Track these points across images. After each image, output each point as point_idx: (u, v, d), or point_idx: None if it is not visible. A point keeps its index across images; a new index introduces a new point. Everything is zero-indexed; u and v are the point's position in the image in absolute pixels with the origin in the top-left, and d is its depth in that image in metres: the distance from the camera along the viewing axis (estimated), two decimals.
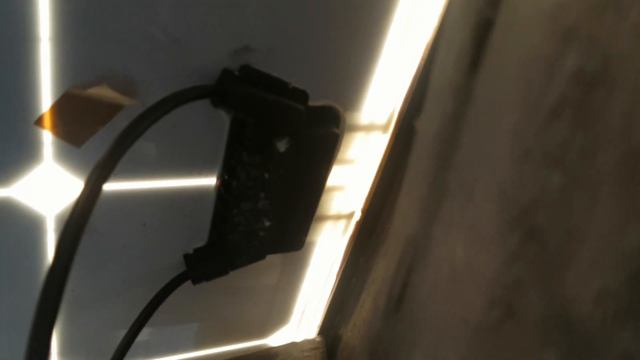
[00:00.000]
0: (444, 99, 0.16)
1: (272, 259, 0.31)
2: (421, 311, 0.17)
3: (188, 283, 0.28)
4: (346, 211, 0.30)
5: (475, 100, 0.15)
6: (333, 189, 0.29)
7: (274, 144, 0.24)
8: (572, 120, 0.11)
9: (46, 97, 0.20)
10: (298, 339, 0.35)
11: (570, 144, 0.11)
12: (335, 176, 0.28)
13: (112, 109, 0.21)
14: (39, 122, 0.21)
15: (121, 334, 0.27)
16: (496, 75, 0.14)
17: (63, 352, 0.30)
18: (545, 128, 0.12)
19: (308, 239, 0.30)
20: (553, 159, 0.12)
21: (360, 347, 0.24)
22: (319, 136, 0.25)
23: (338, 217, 0.31)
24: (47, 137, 0.21)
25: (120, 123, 0.22)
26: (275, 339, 0.36)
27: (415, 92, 0.26)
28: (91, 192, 0.16)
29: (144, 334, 0.32)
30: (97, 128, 0.22)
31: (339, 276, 0.33)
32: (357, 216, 0.31)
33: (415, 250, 0.18)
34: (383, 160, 0.28)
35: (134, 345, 0.32)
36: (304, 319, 0.36)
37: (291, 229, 0.28)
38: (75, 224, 0.17)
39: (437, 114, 0.17)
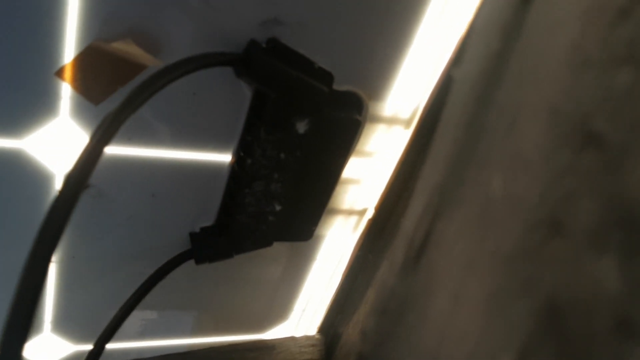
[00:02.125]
0: (490, 38, 0.16)
1: (278, 251, 0.30)
2: (446, 255, 0.16)
3: (191, 268, 0.27)
4: (359, 207, 0.30)
5: (525, 32, 0.14)
6: (348, 181, 0.28)
7: (293, 124, 0.23)
8: None
9: (69, 48, 0.20)
10: (297, 335, 0.34)
11: None
12: (352, 168, 0.28)
13: (134, 68, 0.21)
14: (59, 73, 0.20)
15: (117, 308, 0.27)
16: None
17: (56, 321, 0.29)
18: (611, 31, 0.11)
19: (317, 231, 0.29)
20: (619, 58, 0.11)
21: (371, 310, 0.23)
22: (340, 121, 0.24)
23: (350, 212, 0.30)
24: (65, 91, 0.21)
25: None
26: (273, 335, 0.35)
27: (441, 90, 0.25)
28: (103, 136, 0.15)
29: (141, 316, 0.32)
30: (116, 87, 0.21)
31: (345, 274, 0.32)
32: (370, 213, 0.30)
33: (443, 196, 0.17)
34: (402, 157, 0.28)
35: (130, 326, 0.32)
36: (304, 316, 0.35)
37: (301, 217, 0.28)
38: (77, 175, 0.16)
39: (480, 55, 0.16)
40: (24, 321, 0.15)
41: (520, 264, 0.13)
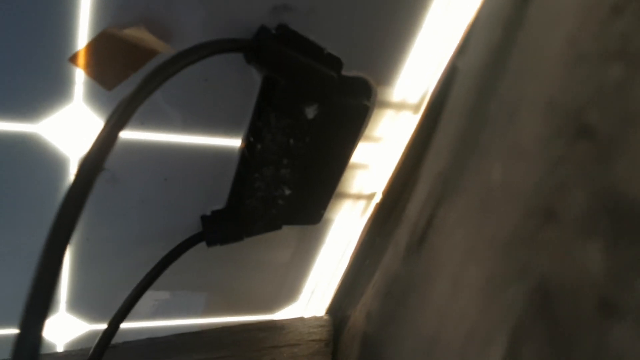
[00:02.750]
0: (491, 32, 0.16)
1: (287, 235, 0.31)
2: (446, 241, 0.17)
3: (203, 250, 0.28)
4: (367, 191, 0.30)
5: (525, 26, 0.15)
6: (356, 166, 0.29)
7: (302, 109, 0.23)
8: (637, 12, 0.11)
9: (83, 34, 0.20)
10: (305, 316, 0.35)
11: (633, 34, 0.11)
12: (360, 153, 0.28)
13: (146, 54, 0.21)
14: (73, 59, 0.21)
15: (130, 289, 0.27)
16: None
17: (71, 301, 0.30)
18: (605, 27, 0.12)
19: (326, 215, 0.30)
20: (612, 54, 0.11)
21: (376, 292, 0.24)
22: (349, 107, 0.24)
23: (358, 197, 0.30)
24: (79, 77, 0.22)
25: None
26: (282, 316, 0.36)
27: (448, 76, 0.25)
28: (119, 120, 0.16)
29: (154, 296, 0.32)
30: (129, 73, 0.22)
31: (353, 257, 0.32)
32: (378, 198, 0.30)
33: (446, 183, 0.18)
34: (410, 142, 0.28)
35: (143, 306, 0.32)
36: (313, 298, 0.35)
37: (310, 201, 0.28)
38: (93, 159, 0.16)
39: (483, 47, 0.17)
40: (43, 302, 0.15)
41: (516, 249, 0.13)
